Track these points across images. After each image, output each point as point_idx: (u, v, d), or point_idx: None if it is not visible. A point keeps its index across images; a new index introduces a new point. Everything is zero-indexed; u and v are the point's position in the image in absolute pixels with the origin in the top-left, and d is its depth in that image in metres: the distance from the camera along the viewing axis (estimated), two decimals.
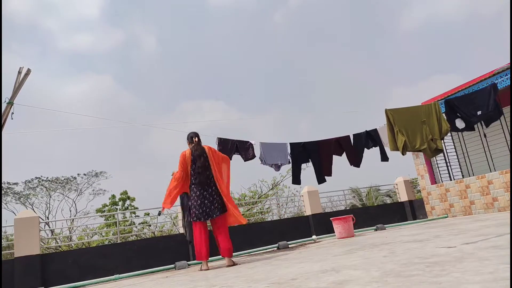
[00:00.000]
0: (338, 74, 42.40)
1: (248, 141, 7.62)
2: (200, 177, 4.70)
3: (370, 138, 8.06)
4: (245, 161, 7.55)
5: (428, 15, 40.97)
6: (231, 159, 7.30)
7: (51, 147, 30.50)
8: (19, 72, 4.99)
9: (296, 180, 7.98)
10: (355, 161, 7.99)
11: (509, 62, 7.04)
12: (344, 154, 8.10)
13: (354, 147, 7.99)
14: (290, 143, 7.91)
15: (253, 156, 7.58)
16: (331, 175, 8.00)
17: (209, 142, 7.33)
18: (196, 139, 4.93)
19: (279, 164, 7.79)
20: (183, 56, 42.66)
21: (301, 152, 7.89)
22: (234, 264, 4.69)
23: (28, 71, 4.98)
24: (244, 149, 7.53)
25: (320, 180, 7.94)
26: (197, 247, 4.67)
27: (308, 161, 7.99)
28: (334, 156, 8.05)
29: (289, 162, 7.87)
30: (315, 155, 7.91)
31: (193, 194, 4.74)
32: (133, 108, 37.45)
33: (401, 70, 43.44)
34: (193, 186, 4.77)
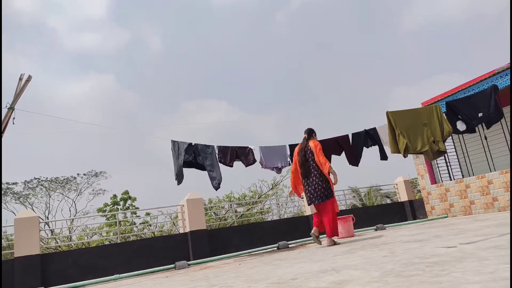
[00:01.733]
0: (339, 74, 42.43)
1: (248, 147, 7.60)
2: (301, 169, 5.53)
3: (369, 137, 8.05)
4: (246, 166, 7.53)
5: (431, 15, 40.97)
6: (232, 166, 7.37)
7: (52, 146, 30.51)
8: (20, 79, 5.10)
9: None
10: (354, 160, 7.98)
11: (509, 62, 7.04)
12: (343, 154, 8.09)
13: (353, 146, 7.98)
14: (289, 145, 7.89)
15: (254, 161, 7.56)
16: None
17: (211, 143, 7.32)
18: (305, 135, 5.75)
19: (280, 166, 7.78)
20: (187, 56, 42.66)
21: None
22: (334, 244, 5.23)
23: (29, 77, 5.08)
24: (244, 154, 7.52)
25: None
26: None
27: None
28: (333, 156, 8.04)
29: (290, 164, 7.85)
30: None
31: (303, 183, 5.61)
32: (136, 107, 37.48)
33: (403, 69, 43.43)
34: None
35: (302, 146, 5.66)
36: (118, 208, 16.77)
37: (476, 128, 7.28)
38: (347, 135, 8.10)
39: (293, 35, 42.62)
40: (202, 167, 7.07)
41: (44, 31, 36.32)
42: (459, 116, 7.02)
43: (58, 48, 36.64)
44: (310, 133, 5.78)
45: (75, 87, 36.45)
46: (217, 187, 6.94)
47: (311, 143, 5.57)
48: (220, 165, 7.16)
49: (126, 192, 17.17)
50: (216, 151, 7.23)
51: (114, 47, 40.52)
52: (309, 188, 5.44)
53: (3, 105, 5.03)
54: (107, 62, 41.35)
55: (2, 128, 4.90)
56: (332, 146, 7.99)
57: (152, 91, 39.83)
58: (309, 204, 5.59)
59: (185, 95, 42.96)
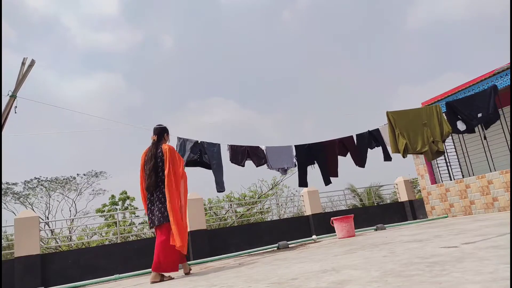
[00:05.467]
0: (342, 74, 42.43)
1: (259, 147, 7.49)
2: (148, 180, 4.21)
3: (373, 138, 8.03)
4: (257, 166, 7.33)
5: (435, 14, 40.97)
6: (243, 166, 7.12)
7: (52, 146, 30.52)
8: (23, 63, 4.68)
9: (303, 182, 7.87)
10: (360, 161, 7.95)
11: (509, 62, 7.04)
12: (348, 155, 8.04)
13: (358, 147, 7.96)
14: (295, 146, 7.83)
15: (265, 162, 7.43)
16: (337, 176, 7.90)
17: (216, 142, 7.12)
18: (154, 137, 4.41)
19: (286, 167, 7.69)
20: (193, 55, 42.61)
21: (307, 154, 7.80)
22: (162, 280, 3.97)
23: (32, 62, 4.69)
24: (255, 154, 7.35)
25: (327, 181, 7.83)
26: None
27: (314, 163, 7.90)
28: (339, 156, 8.00)
29: (295, 165, 7.77)
30: (321, 156, 7.83)
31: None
32: (141, 106, 37.48)
33: (407, 69, 43.41)
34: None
35: (152, 152, 4.29)
36: (116, 209, 16.77)
37: (476, 128, 7.28)
38: (352, 136, 8.05)
39: (299, 35, 42.62)
40: (207, 166, 6.95)
41: (51, 29, 36.34)
42: (458, 116, 7.02)
43: (66, 46, 36.66)
44: (162, 133, 4.46)
45: (81, 85, 36.44)
46: (220, 190, 6.80)
47: (167, 148, 4.30)
48: (224, 167, 6.99)
49: (124, 192, 17.18)
50: (227, 149, 7.10)
51: (123, 46, 40.51)
52: (151, 207, 4.19)
53: (4, 93, 4.58)
54: (115, 61, 41.35)
55: (3, 120, 4.57)
56: (338, 147, 7.94)
57: (158, 90, 39.86)
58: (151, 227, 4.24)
59: (191, 94, 42.88)
